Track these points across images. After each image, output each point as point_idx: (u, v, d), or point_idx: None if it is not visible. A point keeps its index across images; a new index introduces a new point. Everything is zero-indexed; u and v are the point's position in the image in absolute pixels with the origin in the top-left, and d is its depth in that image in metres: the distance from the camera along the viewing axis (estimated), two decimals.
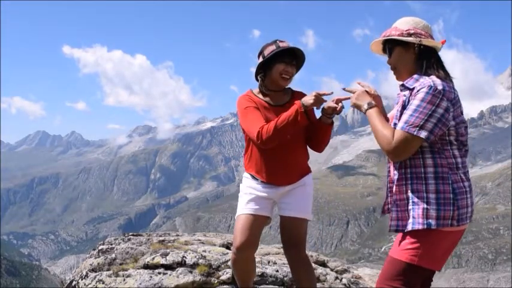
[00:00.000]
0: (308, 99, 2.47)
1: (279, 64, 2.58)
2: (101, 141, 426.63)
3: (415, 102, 1.98)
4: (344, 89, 2.35)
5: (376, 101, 2.25)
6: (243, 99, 2.68)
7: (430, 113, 1.94)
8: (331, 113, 2.56)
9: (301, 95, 2.71)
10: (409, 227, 2.01)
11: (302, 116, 2.45)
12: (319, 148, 2.72)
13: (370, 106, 2.15)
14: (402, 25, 2.16)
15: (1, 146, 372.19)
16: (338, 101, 2.52)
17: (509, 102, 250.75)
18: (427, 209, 1.98)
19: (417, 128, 1.94)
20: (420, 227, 1.98)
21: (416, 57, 2.12)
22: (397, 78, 2.21)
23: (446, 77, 2.06)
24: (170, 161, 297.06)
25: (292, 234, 2.62)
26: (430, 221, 1.97)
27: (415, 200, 2.02)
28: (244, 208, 2.66)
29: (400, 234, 2.08)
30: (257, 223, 2.63)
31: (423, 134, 1.95)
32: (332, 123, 2.62)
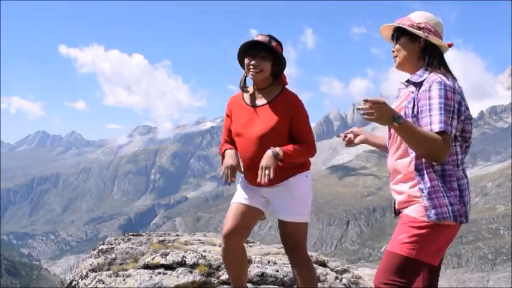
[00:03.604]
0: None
1: (246, 59, 2.51)
2: (101, 141, 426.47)
3: (434, 101, 1.97)
4: (359, 109, 1.93)
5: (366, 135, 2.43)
6: (227, 103, 2.73)
7: (452, 109, 1.97)
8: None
9: (289, 95, 2.55)
10: (427, 218, 1.99)
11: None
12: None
13: (400, 118, 1.90)
14: (415, 17, 2.19)
15: (1, 146, 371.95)
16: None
17: (509, 102, 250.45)
18: (439, 203, 1.98)
19: (449, 127, 1.95)
20: (437, 218, 1.97)
21: (420, 51, 2.15)
22: (396, 66, 2.24)
23: (446, 74, 2.09)
24: (170, 161, 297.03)
25: (286, 236, 2.58)
26: (450, 213, 1.98)
27: (432, 195, 2.00)
28: (237, 197, 2.65)
29: (397, 229, 2.08)
30: (248, 213, 2.59)
31: (453, 132, 1.98)
32: (282, 161, 2.40)
